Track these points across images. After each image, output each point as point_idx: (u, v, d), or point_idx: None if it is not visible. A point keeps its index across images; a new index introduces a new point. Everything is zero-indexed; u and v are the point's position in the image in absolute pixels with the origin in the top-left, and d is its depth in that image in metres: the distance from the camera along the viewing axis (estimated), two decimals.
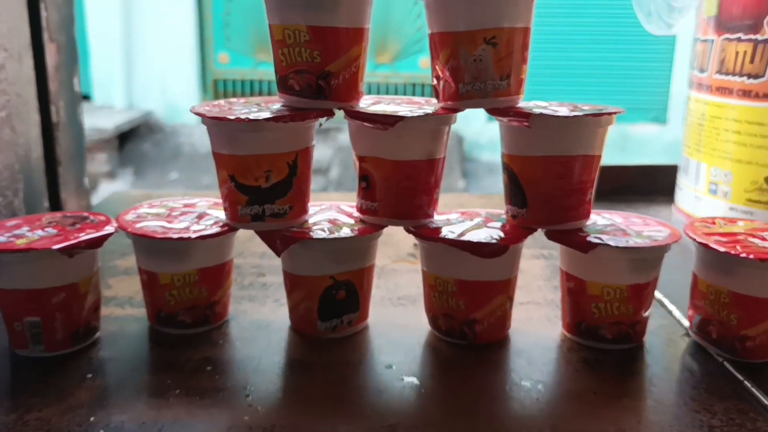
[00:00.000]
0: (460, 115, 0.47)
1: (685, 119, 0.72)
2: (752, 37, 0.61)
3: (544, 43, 4.53)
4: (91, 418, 0.39)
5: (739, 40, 0.62)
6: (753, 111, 0.62)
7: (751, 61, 0.62)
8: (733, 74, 0.63)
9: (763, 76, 0.61)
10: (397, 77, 4.87)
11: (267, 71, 5.18)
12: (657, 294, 0.57)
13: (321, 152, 4.67)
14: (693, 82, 0.70)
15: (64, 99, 0.74)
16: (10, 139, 0.61)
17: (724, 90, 0.65)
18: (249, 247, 0.66)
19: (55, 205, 0.71)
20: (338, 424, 0.39)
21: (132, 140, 5.05)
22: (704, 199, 0.68)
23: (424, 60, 4.54)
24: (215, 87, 5.34)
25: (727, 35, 0.64)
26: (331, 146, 4.75)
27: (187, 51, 5.12)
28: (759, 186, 0.63)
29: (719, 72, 0.65)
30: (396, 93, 4.94)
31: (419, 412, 0.41)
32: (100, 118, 3.86)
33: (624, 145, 3.98)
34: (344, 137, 4.81)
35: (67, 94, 0.75)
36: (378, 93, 4.96)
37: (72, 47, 0.76)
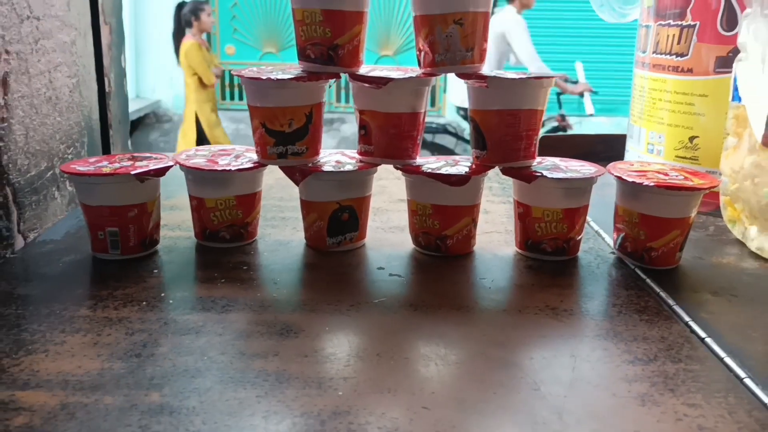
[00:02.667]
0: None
1: (631, 93, 0.87)
2: (679, 23, 0.76)
3: (545, 36, 4.72)
4: (162, 294, 0.54)
5: (669, 25, 0.77)
6: (680, 83, 0.77)
7: (678, 42, 0.76)
8: (666, 53, 0.78)
9: (687, 54, 0.75)
10: None
11: (272, 63, 5.33)
12: (595, 226, 0.72)
13: (325, 143, 4.83)
14: (637, 61, 0.84)
15: (114, 72, 0.89)
16: (79, 102, 0.76)
17: (659, 66, 0.79)
18: (270, 193, 0.81)
19: None
20: (342, 299, 0.54)
21: (140, 129, 5.21)
22: (644, 158, 0.82)
23: None
24: (222, 78, 5.49)
25: (661, 21, 0.78)
26: (335, 137, 4.90)
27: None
28: (685, 144, 0.77)
29: (655, 52, 0.79)
30: None
31: (402, 293, 0.56)
32: None
33: None
34: (346, 128, 4.97)
35: (117, 69, 0.90)
36: None
37: (120, 29, 0.91)
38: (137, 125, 5.09)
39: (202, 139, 3.32)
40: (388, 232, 0.70)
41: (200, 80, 3.30)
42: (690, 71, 0.75)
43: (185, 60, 3.28)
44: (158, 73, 5.27)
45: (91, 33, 0.81)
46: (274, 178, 0.82)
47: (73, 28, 0.74)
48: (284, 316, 0.51)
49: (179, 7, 3.43)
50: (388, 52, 5.17)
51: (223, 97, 5.52)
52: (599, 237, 0.69)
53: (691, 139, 0.77)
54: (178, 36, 3.43)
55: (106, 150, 0.86)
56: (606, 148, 0.98)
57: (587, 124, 4.99)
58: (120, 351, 0.45)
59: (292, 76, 0.60)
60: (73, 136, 0.74)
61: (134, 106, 4.57)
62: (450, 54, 0.60)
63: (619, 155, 0.92)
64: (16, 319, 0.49)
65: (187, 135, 3.34)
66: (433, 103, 5.01)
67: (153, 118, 5.40)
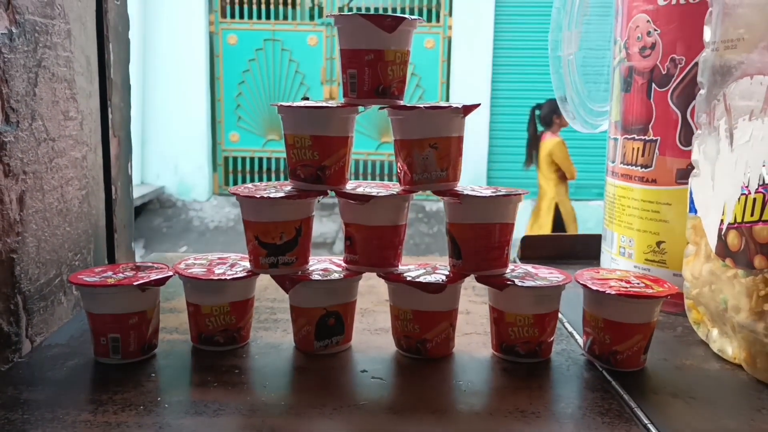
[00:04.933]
0: None
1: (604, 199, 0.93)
2: (642, 137, 0.82)
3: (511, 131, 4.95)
4: (158, 398, 0.58)
5: (633, 139, 0.83)
6: (646, 192, 0.83)
7: (642, 155, 0.82)
8: (632, 165, 0.84)
9: (651, 166, 0.82)
10: None
11: (275, 149, 5.48)
12: (569, 327, 0.76)
13: (327, 227, 4.92)
14: (607, 170, 0.91)
15: (121, 181, 0.95)
16: (87, 212, 0.82)
17: (626, 176, 0.85)
18: (264, 295, 0.86)
19: (111, 262, 0.91)
20: (326, 403, 0.58)
21: (144, 215, 5.31)
22: (617, 260, 0.87)
23: None
24: (225, 164, 5.64)
25: (626, 135, 0.85)
26: (336, 221, 4.99)
27: (200, 131, 5.44)
28: (653, 249, 0.82)
29: (622, 163, 0.86)
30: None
31: (382, 397, 0.60)
32: None
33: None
34: None
35: (123, 177, 0.96)
36: (381, 168, 5.21)
37: (128, 140, 0.98)
38: (141, 211, 5.19)
39: (560, 227, 3.39)
40: (374, 334, 0.75)
41: (563, 174, 3.44)
42: (654, 181, 0.82)
43: (549, 157, 3.41)
44: (162, 160, 5.42)
45: (101, 147, 0.88)
46: (268, 279, 0.87)
47: (84, 145, 0.81)
48: (271, 420, 0.55)
49: (535, 108, 3.56)
50: (388, 139, 5.33)
51: (226, 183, 5.64)
52: (572, 338, 0.74)
53: (659, 243, 0.82)
54: (535, 136, 3.56)
55: (110, 254, 0.91)
56: (584, 248, 1.03)
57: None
58: None
59: (284, 195, 0.66)
60: (81, 243, 0.80)
61: (138, 192, 4.66)
62: (427, 174, 0.66)
63: (596, 255, 0.97)
64: (22, 424, 0.53)
65: (542, 226, 3.42)
66: None
67: (156, 204, 5.51)
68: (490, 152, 5.30)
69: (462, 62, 5.27)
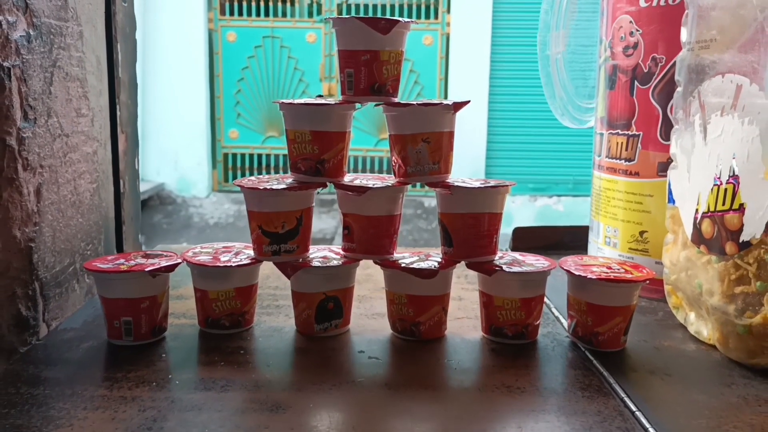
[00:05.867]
0: None
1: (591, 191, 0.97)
2: (626, 132, 0.86)
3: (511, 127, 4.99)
4: (169, 376, 0.63)
5: (618, 134, 0.88)
6: (630, 184, 0.87)
7: (626, 149, 0.87)
8: (616, 158, 0.88)
9: (634, 159, 0.86)
10: None
11: (274, 146, 5.52)
12: (556, 312, 0.80)
13: (326, 223, 4.95)
14: (594, 163, 0.95)
15: (128, 175, 0.99)
16: (98, 204, 0.86)
17: (611, 169, 0.90)
18: (267, 283, 0.90)
19: (120, 253, 0.96)
20: (325, 380, 0.62)
21: (144, 211, 5.33)
22: (603, 249, 0.92)
23: None
24: (225, 161, 5.67)
25: (611, 130, 0.89)
26: (335, 217, 5.03)
27: (199, 127, 5.47)
28: (636, 238, 0.87)
29: (607, 156, 0.90)
30: None
31: (378, 374, 0.64)
32: None
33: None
34: None
35: (131, 172, 1.00)
36: (381, 164, 5.23)
37: (135, 135, 1.02)
38: (141, 207, 5.22)
39: None
40: (371, 318, 0.79)
41: None
42: (637, 174, 0.86)
43: None
44: (162, 156, 5.45)
45: (110, 142, 0.92)
46: (270, 269, 0.91)
47: (95, 140, 0.85)
48: (275, 395, 0.59)
49: None
50: (385, 136, 5.36)
51: (226, 180, 5.68)
52: (558, 322, 0.78)
53: (641, 233, 0.86)
54: None
55: (119, 245, 0.95)
56: (573, 239, 1.08)
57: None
58: (134, 426, 0.53)
59: (285, 186, 0.70)
60: (92, 234, 0.84)
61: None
62: (420, 166, 0.70)
63: (584, 245, 1.01)
64: (44, 398, 0.58)
65: None
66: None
67: (157, 200, 5.55)
68: (488, 147, 5.34)
69: (460, 59, 5.30)
